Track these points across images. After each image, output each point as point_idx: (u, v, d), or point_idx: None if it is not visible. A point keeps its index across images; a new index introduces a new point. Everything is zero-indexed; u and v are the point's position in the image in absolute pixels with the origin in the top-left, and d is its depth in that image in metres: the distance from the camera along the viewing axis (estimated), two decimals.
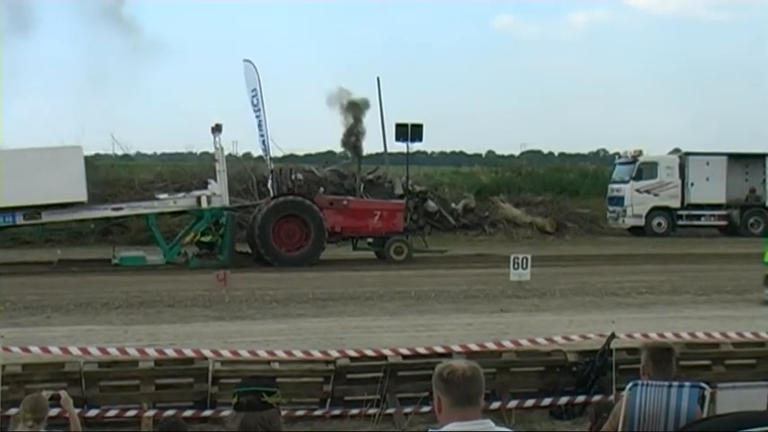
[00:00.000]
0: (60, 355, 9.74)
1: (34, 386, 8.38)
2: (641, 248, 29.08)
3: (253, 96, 26.72)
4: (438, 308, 16.73)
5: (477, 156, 56.70)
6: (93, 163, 33.81)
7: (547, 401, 9.97)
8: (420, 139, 28.06)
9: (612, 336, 9.96)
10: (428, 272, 22.61)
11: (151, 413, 9.19)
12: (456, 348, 10.20)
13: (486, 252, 27.86)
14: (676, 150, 36.97)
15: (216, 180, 24.90)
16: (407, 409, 9.57)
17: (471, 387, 3.62)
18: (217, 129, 24.53)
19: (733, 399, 7.78)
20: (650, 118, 79.91)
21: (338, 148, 34.85)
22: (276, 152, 30.58)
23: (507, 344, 10.54)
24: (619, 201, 35.02)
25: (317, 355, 10.16)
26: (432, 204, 33.77)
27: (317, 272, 22.52)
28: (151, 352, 9.93)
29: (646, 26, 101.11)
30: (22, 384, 8.91)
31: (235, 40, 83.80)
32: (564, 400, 9.93)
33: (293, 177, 27.20)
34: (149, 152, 50.33)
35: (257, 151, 31.82)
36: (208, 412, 9.32)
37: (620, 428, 5.41)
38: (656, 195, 34.40)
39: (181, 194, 26.12)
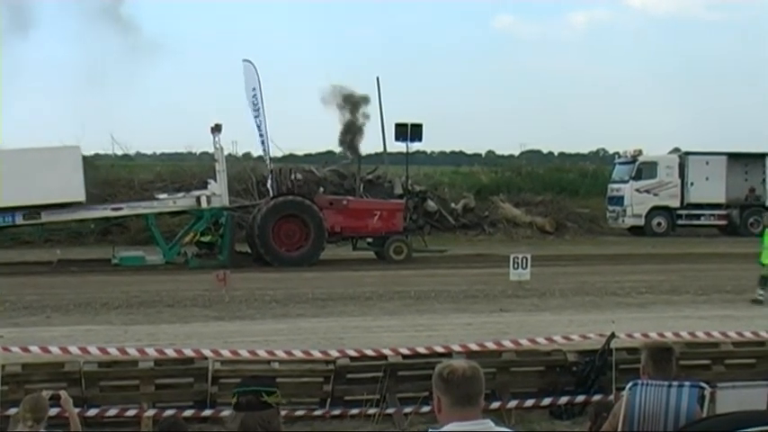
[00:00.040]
0: (60, 354, 9.74)
1: (34, 386, 8.38)
2: (641, 248, 29.08)
3: (252, 96, 26.71)
4: (438, 308, 16.73)
5: (477, 155, 56.81)
6: (92, 163, 33.80)
7: (547, 401, 9.96)
8: (420, 139, 28.09)
9: (612, 335, 9.97)
10: (428, 272, 22.61)
11: (151, 413, 9.19)
12: (456, 348, 10.20)
13: (486, 252, 27.86)
14: (676, 150, 36.99)
15: (215, 180, 24.89)
16: (407, 409, 9.57)
17: (471, 387, 3.62)
18: (216, 129, 24.52)
19: (733, 398, 7.77)
20: (650, 118, 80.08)
21: (338, 148, 34.86)
22: (276, 152, 30.64)
23: (507, 344, 10.54)
24: (618, 200, 35.03)
25: (316, 354, 10.16)
26: (431, 204, 33.77)
27: (316, 272, 22.52)
28: (151, 352, 9.93)
29: (645, 26, 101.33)
30: (21, 384, 8.91)
31: (234, 40, 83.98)
32: (564, 399, 9.93)
33: (293, 177, 27.20)
34: (149, 152, 50.45)
35: (257, 151, 31.87)
36: (207, 412, 9.31)
37: (619, 428, 5.40)
38: (655, 195, 34.41)
39: (180, 194, 26.11)
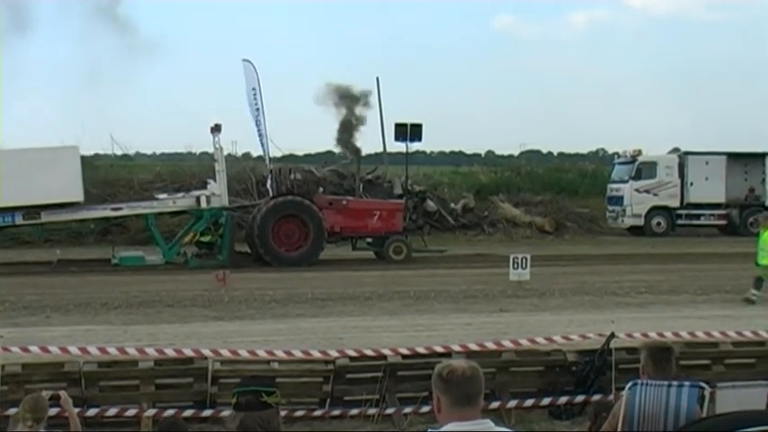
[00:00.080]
0: (60, 354, 9.75)
1: (34, 386, 8.38)
2: (640, 248, 29.08)
3: (252, 96, 26.72)
4: (437, 308, 16.73)
5: (477, 155, 56.80)
6: (92, 163, 33.89)
7: (546, 401, 9.96)
8: (419, 139, 28.08)
9: (612, 335, 9.96)
10: (427, 272, 22.61)
11: (151, 413, 9.19)
12: (455, 348, 10.21)
13: (486, 252, 27.87)
14: (675, 150, 36.98)
15: (215, 180, 24.89)
16: (407, 409, 9.56)
17: (471, 387, 3.62)
18: (216, 129, 24.53)
19: (732, 398, 7.76)
20: (649, 118, 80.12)
21: (338, 148, 34.81)
22: (275, 152, 30.60)
23: (507, 343, 10.54)
24: (618, 200, 35.04)
25: (316, 354, 10.16)
26: (431, 204, 33.76)
27: (316, 272, 22.52)
28: (151, 352, 9.93)
29: (645, 26, 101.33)
30: (21, 384, 8.91)
31: (234, 40, 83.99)
32: (563, 399, 9.92)
33: (292, 177, 27.22)
34: (148, 152, 50.44)
35: (256, 151, 31.92)
36: (207, 412, 9.31)
37: (619, 428, 5.40)
38: (655, 195, 34.41)
39: (180, 194, 26.11)
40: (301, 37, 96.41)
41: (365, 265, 24.13)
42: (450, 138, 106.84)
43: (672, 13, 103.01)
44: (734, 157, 34.99)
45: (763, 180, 35.00)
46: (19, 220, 23.12)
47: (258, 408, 6.92)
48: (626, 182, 34.73)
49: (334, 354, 10.01)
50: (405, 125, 27.49)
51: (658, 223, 34.40)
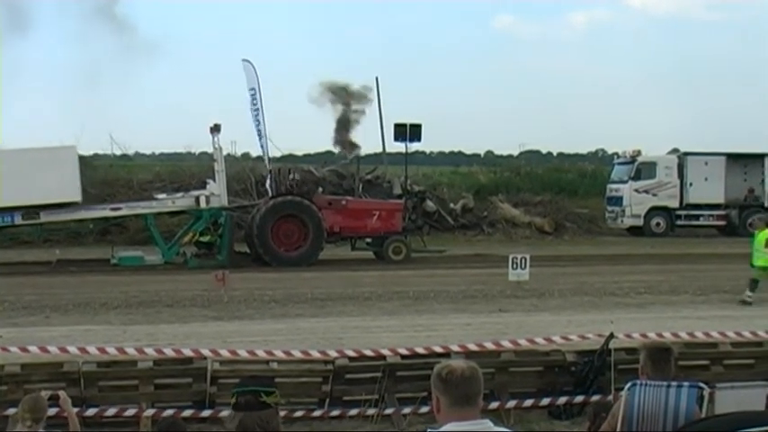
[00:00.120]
0: (59, 354, 9.75)
1: (33, 386, 8.38)
2: (640, 248, 29.08)
3: (252, 96, 26.72)
4: (437, 308, 16.72)
5: (476, 156, 56.77)
6: (91, 163, 33.90)
7: (545, 401, 9.97)
8: (419, 139, 28.09)
9: (611, 336, 9.97)
10: (427, 272, 22.61)
11: (150, 413, 9.19)
12: (455, 348, 10.21)
13: (485, 252, 27.86)
14: (675, 150, 36.99)
15: (214, 180, 24.87)
16: (406, 410, 9.56)
17: (470, 387, 3.62)
18: (215, 129, 24.51)
19: (731, 399, 7.77)
20: (649, 118, 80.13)
21: (336, 148, 34.84)
22: (275, 152, 30.65)
23: (506, 344, 10.55)
24: (617, 201, 35.04)
25: (315, 355, 10.16)
26: (430, 204, 33.75)
27: (315, 272, 22.52)
28: (150, 352, 9.94)
29: (645, 26, 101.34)
30: (20, 384, 8.91)
31: (234, 40, 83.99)
32: (562, 400, 9.93)
33: (292, 177, 27.18)
34: (148, 152, 50.44)
35: (256, 151, 31.87)
36: (206, 412, 9.31)
37: (618, 428, 5.40)
38: (654, 195, 34.41)
39: (179, 194, 26.09)
40: (301, 37, 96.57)
41: (364, 265, 24.12)
42: (449, 138, 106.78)
43: (672, 13, 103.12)
44: (733, 158, 35.00)
45: (763, 181, 35.00)
46: (18, 220, 23.11)
47: (257, 408, 6.92)
48: (625, 182, 34.73)
49: (333, 354, 10.01)
50: (404, 125, 27.50)
51: (657, 224, 34.41)
